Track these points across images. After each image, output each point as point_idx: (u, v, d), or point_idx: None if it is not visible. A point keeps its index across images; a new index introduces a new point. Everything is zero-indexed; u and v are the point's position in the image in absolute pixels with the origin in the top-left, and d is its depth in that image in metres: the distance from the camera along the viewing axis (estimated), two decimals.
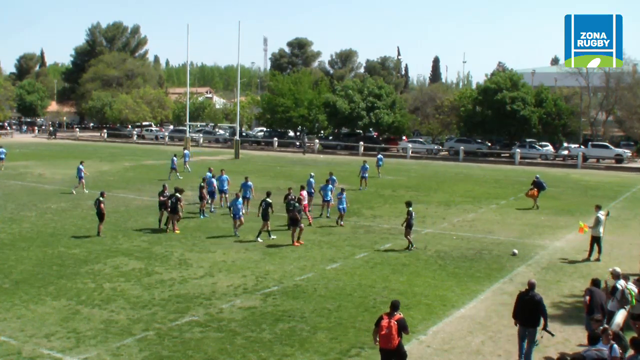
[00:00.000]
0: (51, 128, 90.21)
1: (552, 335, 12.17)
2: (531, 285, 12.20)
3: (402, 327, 10.47)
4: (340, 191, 25.29)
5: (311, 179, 28.10)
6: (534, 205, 30.24)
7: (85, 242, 21.12)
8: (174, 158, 39.31)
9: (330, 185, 26.99)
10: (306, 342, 12.71)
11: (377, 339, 10.57)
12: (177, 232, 22.79)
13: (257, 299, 15.42)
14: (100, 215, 22.09)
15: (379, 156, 44.24)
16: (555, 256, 20.63)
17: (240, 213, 22.64)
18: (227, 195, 27.95)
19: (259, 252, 20.16)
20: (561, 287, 17.12)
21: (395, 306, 10.67)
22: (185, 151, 46.02)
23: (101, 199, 22.26)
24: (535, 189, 30.27)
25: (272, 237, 22.03)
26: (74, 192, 32.10)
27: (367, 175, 36.13)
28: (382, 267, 18.73)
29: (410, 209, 21.01)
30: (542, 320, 11.86)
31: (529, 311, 11.93)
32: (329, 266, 18.66)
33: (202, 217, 25.87)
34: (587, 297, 12.67)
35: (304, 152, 64.03)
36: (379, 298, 15.64)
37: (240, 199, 23.22)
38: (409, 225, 20.92)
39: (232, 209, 22.92)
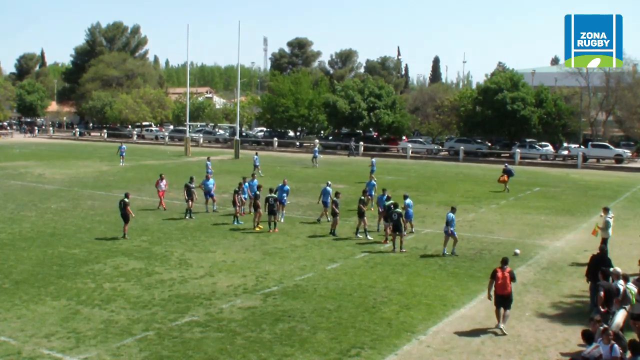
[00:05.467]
0: (28, 127, 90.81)
1: None
2: (603, 250, 15.73)
3: (512, 277, 13.60)
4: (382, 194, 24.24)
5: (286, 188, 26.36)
6: (504, 189, 35.96)
7: (85, 242, 21.12)
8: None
9: (384, 195, 24.38)
10: (306, 342, 12.71)
11: (492, 289, 13.50)
12: (259, 228, 23.56)
13: (257, 299, 15.42)
14: (125, 217, 21.71)
15: (315, 149, 52.80)
16: (556, 256, 20.63)
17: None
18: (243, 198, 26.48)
19: (259, 252, 20.16)
20: (561, 287, 17.10)
21: (505, 261, 13.81)
22: (122, 146, 49.22)
23: (126, 200, 21.90)
24: (505, 175, 36.57)
25: (359, 235, 22.60)
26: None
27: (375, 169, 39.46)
28: (382, 267, 18.73)
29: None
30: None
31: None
32: (329, 266, 18.67)
33: (235, 223, 24.63)
34: (602, 293, 12.77)
35: (349, 155, 63.15)
36: (379, 298, 15.65)
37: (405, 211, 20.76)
38: (396, 228, 20.51)
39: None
